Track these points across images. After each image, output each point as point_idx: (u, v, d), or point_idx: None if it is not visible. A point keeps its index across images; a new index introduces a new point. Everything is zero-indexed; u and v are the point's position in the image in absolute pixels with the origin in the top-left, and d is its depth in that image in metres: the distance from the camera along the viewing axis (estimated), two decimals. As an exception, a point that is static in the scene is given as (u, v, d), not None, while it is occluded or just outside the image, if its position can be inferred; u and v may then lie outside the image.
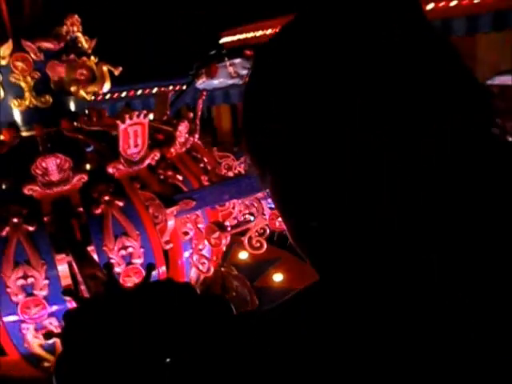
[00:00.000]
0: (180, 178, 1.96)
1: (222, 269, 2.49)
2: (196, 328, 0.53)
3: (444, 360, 0.38)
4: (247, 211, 1.97)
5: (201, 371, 0.44)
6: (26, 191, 1.64)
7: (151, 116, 2.23)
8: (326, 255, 0.49)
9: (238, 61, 2.37)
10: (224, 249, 2.19)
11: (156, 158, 1.90)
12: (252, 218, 1.87)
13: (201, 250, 1.95)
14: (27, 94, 2.01)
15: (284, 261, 2.62)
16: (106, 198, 1.70)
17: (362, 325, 0.40)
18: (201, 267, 1.91)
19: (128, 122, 1.68)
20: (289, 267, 2.57)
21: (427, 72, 0.43)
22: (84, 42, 2.11)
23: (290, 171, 0.47)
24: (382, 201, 0.42)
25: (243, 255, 2.77)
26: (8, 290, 1.59)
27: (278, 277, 2.56)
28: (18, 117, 2.06)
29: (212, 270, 1.96)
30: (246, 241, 1.84)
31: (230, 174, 2.22)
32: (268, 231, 1.88)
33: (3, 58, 1.92)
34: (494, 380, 0.37)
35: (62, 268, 1.58)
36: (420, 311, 0.40)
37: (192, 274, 2.05)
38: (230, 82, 2.44)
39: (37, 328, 1.69)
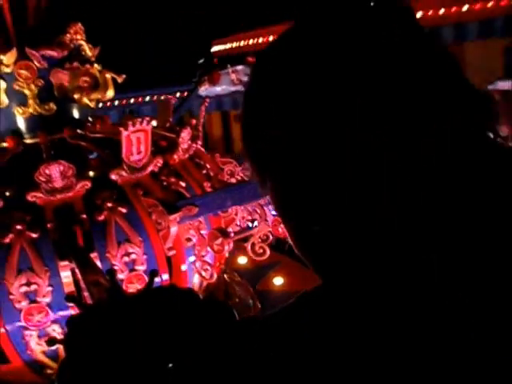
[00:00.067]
0: (183, 184, 1.96)
1: (225, 275, 2.49)
2: (199, 333, 0.53)
3: (445, 360, 0.38)
4: (250, 217, 1.97)
5: (204, 376, 0.44)
6: (29, 198, 1.65)
7: (154, 123, 2.24)
8: (328, 259, 0.49)
9: (240, 68, 2.38)
10: (227, 255, 2.19)
11: (159, 164, 1.90)
12: (252, 224, 1.87)
13: (204, 256, 1.95)
14: (31, 102, 2.02)
15: (284, 265, 2.66)
16: (109, 204, 1.70)
17: (363, 328, 0.40)
18: (204, 274, 1.90)
19: (131, 128, 1.68)
20: (289, 271, 2.60)
21: (427, 72, 0.43)
22: (87, 50, 2.12)
23: (289, 177, 0.48)
24: (382, 201, 0.43)
25: (242, 260, 2.79)
26: (11, 296, 1.58)
27: (278, 280, 2.60)
28: (21, 124, 2.07)
29: (215, 276, 1.96)
30: (249, 247, 1.83)
31: (233, 180, 2.23)
32: (271, 237, 1.88)
33: (7, 65, 1.94)
34: (494, 380, 0.37)
35: (66, 275, 1.58)
36: (421, 312, 0.40)
37: (195, 281, 2.05)
38: (233, 88, 2.45)
39: (40, 335, 1.69)
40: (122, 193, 1.77)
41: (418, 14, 4.47)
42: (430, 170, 0.42)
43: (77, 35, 2.09)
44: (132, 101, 5.29)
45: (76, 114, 2.17)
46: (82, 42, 2.10)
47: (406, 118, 0.42)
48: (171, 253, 1.77)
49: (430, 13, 4.59)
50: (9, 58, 1.93)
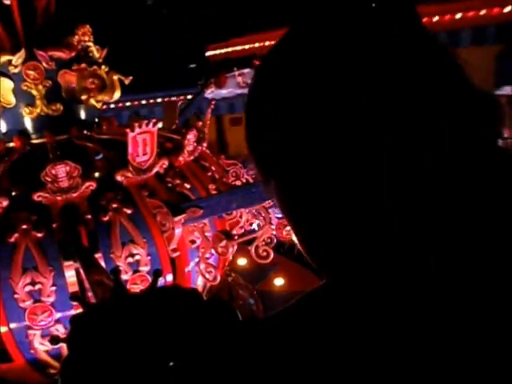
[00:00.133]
0: (188, 186, 1.97)
1: (229, 278, 2.49)
2: (202, 333, 0.53)
3: (445, 361, 0.38)
4: (254, 220, 1.98)
5: (206, 376, 0.44)
6: (35, 198, 1.66)
7: (160, 124, 2.25)
8: (333, 259, 0.49)
9: (246, 71, 2.38)
10: (231, 258, 2.19)
11: (164, 166, 1.91)
12: (255, 227, 1.87)
13: (208, 258, 1.95)
14: (38, 102, 2.04)
15: (283, 266, 2.72)
16: (114, 205, 1.71)
17: (364, 328, 0.40)
18: (207, 276, 1.91)
19: (137, 130, 1.69)
20: (288, 272, 2.67)
21: (427, 73, 0.44)
22: (95, 52, 2.14)
23: (292, 178, 0.48)
24: (382, 201, 0.43)
25: (242, 261, 2.83)
26: (16, 296, 1.60)
27: (279, 281, 2.67)
28: (28, 124, 2.08)
29: (219, 278, 1.96)
30: (252, 250, 1.83)
31: (238, 182, 2.23)
32: (275, 240, 1.88)
33: (16, 66, 1.96)
34: (494, 380, 0.37)
35: (70, 275, 1.58)
36: (421, 314, 0.40)
37: (199, 283, 2.05)
38: (239, 91, 2.46)
39: (43, 334, 1.69)
40: (127, 194, 1.78)
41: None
42: (428, 170, 0.42)
43: (85, 37, 2.11)
44: (136, 103, 5.33)
45: (83, 114, 2.18)
46: (90, 44, 2.12)
47: (406, 118, 0.42)
48: (175, 254, 1.78)
49: (425, 20, 4.73)
50: (17, 58, 1.95)
